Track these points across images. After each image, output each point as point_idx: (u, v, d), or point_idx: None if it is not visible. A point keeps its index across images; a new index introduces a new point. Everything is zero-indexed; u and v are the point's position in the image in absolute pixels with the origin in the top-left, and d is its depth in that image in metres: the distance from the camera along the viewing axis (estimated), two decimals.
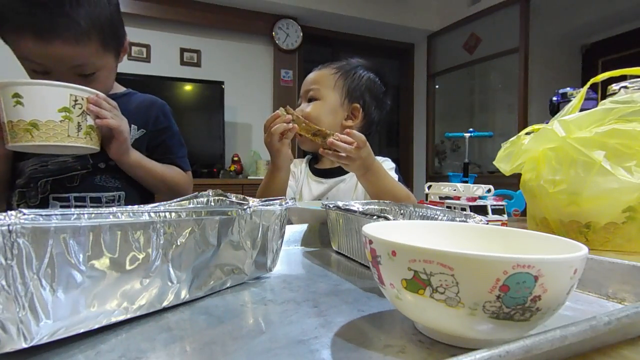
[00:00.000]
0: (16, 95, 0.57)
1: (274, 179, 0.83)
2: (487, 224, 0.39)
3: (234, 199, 0.43)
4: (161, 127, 0.90)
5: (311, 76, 0.97)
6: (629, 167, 0.51)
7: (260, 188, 0.87)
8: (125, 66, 3.00)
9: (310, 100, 0.94)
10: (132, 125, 0.85)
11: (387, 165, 0.96)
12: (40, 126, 0.58)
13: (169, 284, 0.30)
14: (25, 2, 0.64)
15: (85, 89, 0.64)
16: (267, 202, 0.40)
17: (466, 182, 1.17)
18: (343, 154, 0.71)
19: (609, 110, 0.53)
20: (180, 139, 0.94)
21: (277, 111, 0.78)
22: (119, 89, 0.90)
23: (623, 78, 0.64)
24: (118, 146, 0.72)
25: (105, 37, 0.72)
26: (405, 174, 4.27)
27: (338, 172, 0.95)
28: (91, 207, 0.79)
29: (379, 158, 0.95)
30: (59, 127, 0.60)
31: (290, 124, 0.77)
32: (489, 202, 0.70)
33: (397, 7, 3.75)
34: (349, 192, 0.93)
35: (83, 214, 0.24)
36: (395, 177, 0.91)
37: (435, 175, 3.98)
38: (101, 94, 0.67)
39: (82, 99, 0.63)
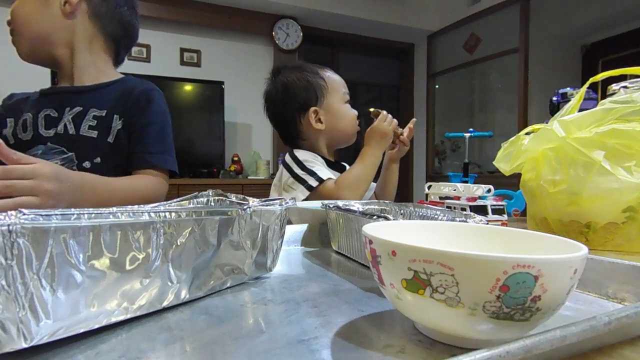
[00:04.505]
0: None
1: (377, 165, 0.95)
2: (487, 224, 0.39)
3: (234, 199, 0.43)
4: (138, 112, 0.80)
5: None
6: (629, 167, 0.51)
7: (358, 175, 0.90)
8: (125, 66, 2.98)
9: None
10: (114, 115, 0.80)
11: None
12: None
13: (169, 284, 0.30)
14: None
15: None
16: (267, 202, 0.40)
17: (466, 182, 1.17)
18: (407, 145, 1.04)
19: (608, 110, 0.53)
20: (163, 130, 0.82)
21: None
22: (111, 77, 0.85)
23: (623, 78, 0.64)
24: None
25: None
26: (405, 174, 4.27)
27: (342, 164, 1.08)
28: None
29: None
30: None
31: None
32: (489, 202, 0.70)
33: (397, 7, 3.75)
34: None
35: (83, 214, 0.24)
36: None
37: (435, 175, 3.97)
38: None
39: None
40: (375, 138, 0.95)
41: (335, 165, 1.03)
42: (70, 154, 0.78)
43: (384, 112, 0.97)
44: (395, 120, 0.97)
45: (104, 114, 0.80)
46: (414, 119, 1.07)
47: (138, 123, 0.81)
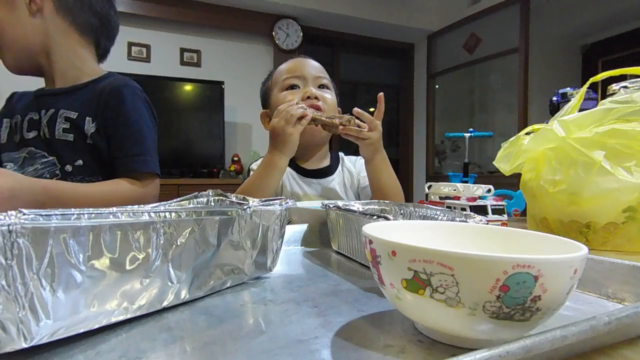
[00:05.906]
0: None
1: (271, 173, 0.76)
2: (487, 224, 0.39)
3: (234, 199, 0.43)
4: (110, 114, 0.76)
5: (315, 64, 0.95)
6: (629, 167, 0.51)
7: (248, 185, 0.77)
8: (125, 66, 3.00)
9: (321, 86, 0.92)
10: (87, 118, 0.77)
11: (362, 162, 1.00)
12: None
13: (169, 284, 0.30)
14: None
15: None
16: (267, 202, 0.40)
17: (466, 182, 1.17)
18: (363, 136, 0.76)
19: (608, 110, 0.53)
20: (140, 130, 0.78)
21: (292, 98, 0.81)
22: (92, 75, 0.82)
23: (623, 78, 0.64)
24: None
25: None
26: (405, 174, 4.27)
27: (327, 172, 0.96)
28: None
29: (353, 158, 1.03)
30: None
31: (308, 110, 0.76)
32: (489, 202, 0.70)
33: (397, 7, 3.75)
34: (340, 188, 0.95)
35: (83, 214, 0.24)
36: None
37: (435, 175, 3.97)
38: None
39: None
40: (270, 140, 0.77)
41: (310, 173, 0.93)
42: (51, 158, 0.77)
43: (280, 106, 0.77)
44: (298, 111, 0.74)
45: (75, 117, 0.78)
46: (381, 94, 0.79)
47: (113, 126, 0.77)
